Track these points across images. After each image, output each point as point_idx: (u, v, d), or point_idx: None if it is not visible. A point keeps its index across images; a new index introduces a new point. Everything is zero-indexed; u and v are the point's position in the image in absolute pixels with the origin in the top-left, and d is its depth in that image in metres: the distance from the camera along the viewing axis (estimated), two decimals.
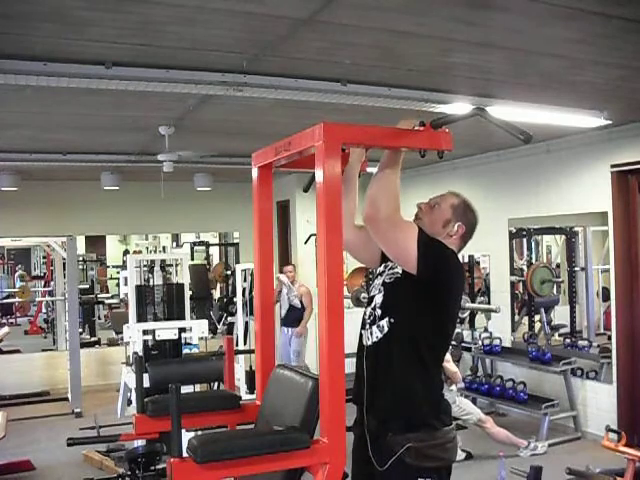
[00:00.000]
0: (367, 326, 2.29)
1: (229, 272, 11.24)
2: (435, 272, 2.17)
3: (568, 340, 6.78)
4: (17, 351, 9.14)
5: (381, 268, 2.40)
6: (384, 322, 2.22)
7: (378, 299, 2.29)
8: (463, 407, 5.54)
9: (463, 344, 7.08)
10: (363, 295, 6.29)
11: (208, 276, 11.32)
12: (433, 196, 2.41)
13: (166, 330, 5.93)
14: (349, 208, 2.39)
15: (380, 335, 2.22)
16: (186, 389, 3.92)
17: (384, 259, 2.39)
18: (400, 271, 2.24)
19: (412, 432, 2.13)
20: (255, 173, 2.46)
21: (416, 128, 2.12)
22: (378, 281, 2.36)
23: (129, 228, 10.19)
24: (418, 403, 2.18)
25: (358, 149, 2.39)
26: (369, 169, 2.50)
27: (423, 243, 2.15)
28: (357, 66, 3.73)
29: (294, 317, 7.61)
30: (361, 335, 2.34)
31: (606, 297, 6.35)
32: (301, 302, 7.60)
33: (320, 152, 1.92)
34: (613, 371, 5.81)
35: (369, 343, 2.26)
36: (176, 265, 7.96)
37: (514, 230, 7.22)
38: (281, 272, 7.76)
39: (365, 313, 2.35)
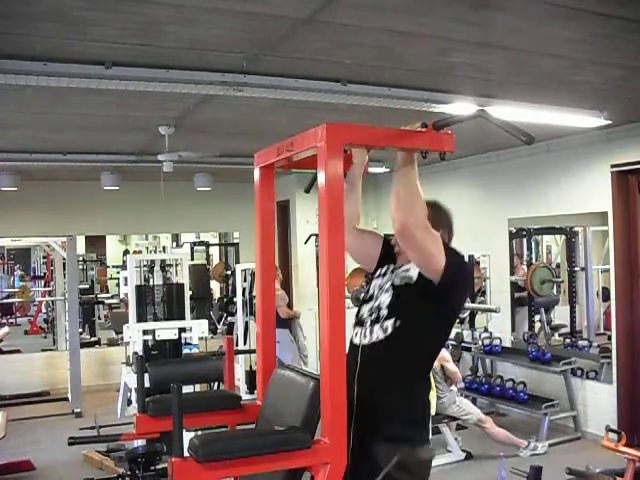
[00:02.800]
0: (367, 324, 2.26)
1: (229, 272, 11.24)
2: (454, 283, 2.17)
3: (568, 340, 6.78)
4: (17, 351, 9.14)
5: (384, 269, 2.38)
6: (389, 323, 2.19)
7: (384, 299, 2.26)
8: (463, 407, 5.54)
9: (463, 344, 7.08)
10: (363, 295, 6.28)
11: (208, 276, 11.31)
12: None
13: (166, 330, 5.93)
14: (352, 212, 2.39)
15: (382, 336, 2.19)
16: (186, 389, 3.92)
17: (380, 263, 2.40)
18: (414, 276, 2.21)
19: (401, 443, 2.11)
20: (257, 173, 2.45)
21: (418, 129, 2.12)
22: (382, 281, 2.33)
23: (129, 228, 10.19)
24: (408, 413, 2.17)
25: (360, 151, 2.38)
26: (371, 169, 2.50)
27: (450, 253, 2.16)
28: (357, 66, 3.73)
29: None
30: (354, 333, 2.31)
31: (606, 297, 6.35)
32: None
33: (322, 153, 1.92)
34: (613, 371, 5.81)
35: (365, 342, 2.22)
36: (176, 265, 7.96)
37: (514, 230, 7.22)
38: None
39: (361, 311, 2.33)
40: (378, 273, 2.40)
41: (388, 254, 2.42)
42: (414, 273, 2.22)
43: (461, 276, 2.24)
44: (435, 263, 2.13)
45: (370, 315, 2.27)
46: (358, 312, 2.36)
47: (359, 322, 2.31)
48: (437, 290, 2.15)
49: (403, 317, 2.18)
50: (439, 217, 2.32)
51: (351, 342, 2.30)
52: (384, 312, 2.22)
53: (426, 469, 2.20)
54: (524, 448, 5.48)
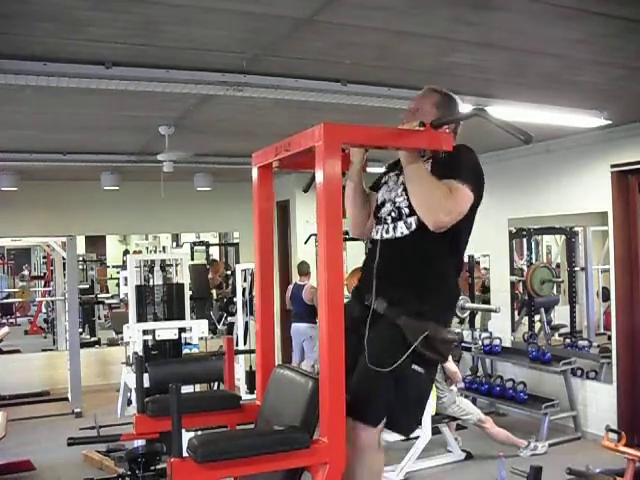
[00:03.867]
0: (389, 220, 2.31)
1: (229, 272, 11.25)
2: (479, 186, 2.25)
3: (568, 340, 6.78)
4: (17, 351, 9.15)
5: (385, 178, 2.45)
6: (412, 220, 2.24)
7: (401, 201, 2.30)
8: (463, 407, 5.54)
9: (463, 344, 7.09)
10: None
11: (208, 276, 11.31)
12: (412, 102, 2.44)
13: (166, 330, 5.94)
14: (365, 213, 2.45)
15: (407, 231, 2.26)
16: (186, 389, 3.92)
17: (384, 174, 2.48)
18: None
19: (428, 321, 2.17)
20: (255, 173, 2.46)
21: (416, 128, 2.12)
22: (391, 186, 2.38)
23: (129, 228, 10.19)
24: (436, 296, 2.24)
25: (358, 151, 2.39)
26: (370, 169, 2.51)
27: (470, 174, 2.22)
28: (357, 66, 3.73)
29: None
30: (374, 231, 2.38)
31: (606, 297, 6.36)
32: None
33: (320, 152, 1.92)
34: (613, 371, 5.81)
35: (388, 236, 2.30)
36: (176, 265, 7.96)
37: (514, 230, 7.22)
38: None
39: (380, 212, 2.37)
40: (383, 181, 2.45)
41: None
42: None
43: (481, 176, 2.29)
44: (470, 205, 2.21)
45: (390, 214, 2.33)
46: (376, 215, 2.41)
47: (381, 220, 2.37)
48: None
49: None
50: (447, 105, 2.36)
51: (371, 239, 2.40)
52: (406, 210, 2.28)
53: (448, 349, 2.26)
54: (524, 448, 5.48)
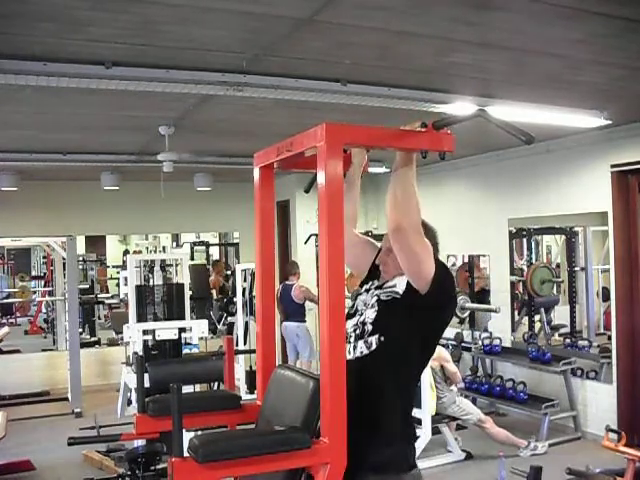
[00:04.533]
0: (352, 339, 2.21)
1: (229, 272, 11.24)
2: (442, 292, 2.16)
3: (568, 340, 6.77)
4: (17, 351, 9.15)
5: (368, 285, 2.37)
6: (373, 339, 2.16)
7: (370, 315, 2.23)
8: (463, 407, 5.54)
9: (463, 344, 7.09)
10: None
11: (208, 276, 11.31)
12: (382, 242, 2.37)
13: (166, 330, 5.94)
14: (350, 212, 2.38)
15: (366, 351, 2.16)
16: (186, 389, 3.92)
17: (369, 277, 2.40)
18: (400, 291, 2.19)
19: (386, 474, 2.08)
20: (257, 173, 2.45)
21: (418, 129, 2.12)
22: (366, 297, 2.32)
23: (129, 228, 10.19)
24: (397, 431, 2.14)
25: (359, 151, 2.38)
26: (371, 169, 2.50)
27: (439, 263, 2.16)
28: (357, 66, 3.73)
29: None
30: None
31: (606, 297, 6.35)
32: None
33: (322, 153, 1.91)
34: (613, 371, 5.81)
35: (350, 357, 2.15)
36: (176, 265, 7.96)
37: (514, 230, 7.22)
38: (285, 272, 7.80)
39: (347, 324, 2.24)
40: (364, 289, 2.38)
41: (376, 270, 2.41)
42: (401, 288, 2.20)
43: (449, 287, 2.24)
44: (424, 270, 2.11)
45: (354, 330, 2.24)
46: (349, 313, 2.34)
47: (347, 339, 2.24)
48: (424, 301, 2.13)
49: (387, 333, 2.16)
50: (426, 233, 2.24)
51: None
52: (368, 327, 2.19)
53: None
54: (524, 448, 5.48)
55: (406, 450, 2.18)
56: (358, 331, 2.22)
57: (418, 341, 2.18)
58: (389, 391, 2.14)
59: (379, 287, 2.30)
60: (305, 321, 7.63)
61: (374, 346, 2.15)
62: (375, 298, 2.26)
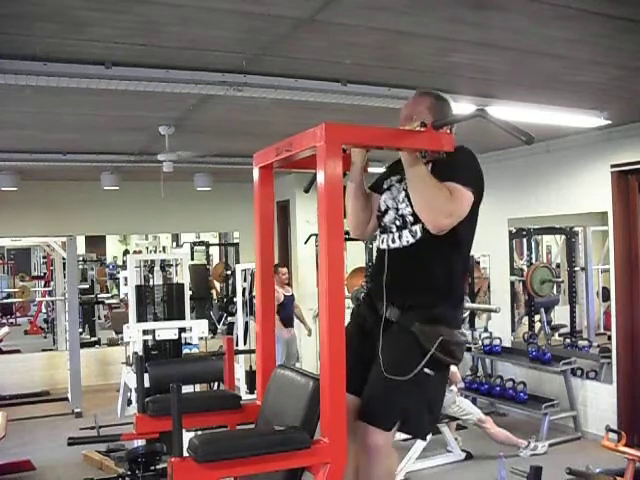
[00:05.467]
0: (394, 229, 2.33)
1: (229, 272, 11.25)
2: (477, 182, 2.27)
3: (568, 340, 6.78)
4: (17, 351, 9.16)
5: (386, 184, 2.43)
6: (417, 227, 2.26)
7: (404, 208, 2.31)
8: (463, 407, 5.54)
9: None
10: (363, 295, 6.28)
11: (208, 276, 11.33)
12: (405, 108, 2.42)
13: (166, 330, 5.94)
14: (367, 214, 2.45)
15: (412, 240, 2.28)
16: (186, 389, 3.92)
17: (383, 177, 2.48)
18: None
19: (441, 326, 2.21)
20: (256, 173, 2.45)
21: (417, 129, 2.12)
22: (392, 193, 2.38)
23: (129, 228, 10.20)
24: (446, 300, 2.27)
25: (359, 152, 2.38)
26: (371, 169, 2.50)
27: (466, 152, 2.25)
28: (357, 66, 3.73)
29: None
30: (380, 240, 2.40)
31: (606, 297, 6.36)
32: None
33: (321, 153, 1.92)
34: (613, 371, 5.81)
35: (395, 245, 2.31)
36: (176, 265, 7.96)
37: (514, 230, 7.22)
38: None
39: (384, 220, 2.38)
40: (385, 186, 2.44)
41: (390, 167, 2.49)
42: None
43: (480, 172, 2.30)
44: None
45: (397, 221, 2.34)
46: (379, 221, 2.43)
47: (385, 229, 2.38)
48: None
49: None
50: (440, 108, 2.35)
51: (378, 248, 2.43)
52: (410, 218, 2.29)
53: (462, 351, 2.32)
54: (524, 448, 5.48)
55: (458, 315, 2.38)
56: (399, 222, 2.33)
57: (460, 228, 2.23)
58: (443, 266, 2.28)
59: (401, 180, 2.36)
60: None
61: (419, 234, 2.26)
62: (403, 194, 2.33)
